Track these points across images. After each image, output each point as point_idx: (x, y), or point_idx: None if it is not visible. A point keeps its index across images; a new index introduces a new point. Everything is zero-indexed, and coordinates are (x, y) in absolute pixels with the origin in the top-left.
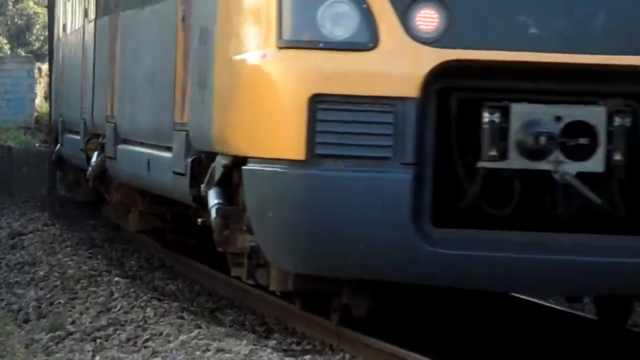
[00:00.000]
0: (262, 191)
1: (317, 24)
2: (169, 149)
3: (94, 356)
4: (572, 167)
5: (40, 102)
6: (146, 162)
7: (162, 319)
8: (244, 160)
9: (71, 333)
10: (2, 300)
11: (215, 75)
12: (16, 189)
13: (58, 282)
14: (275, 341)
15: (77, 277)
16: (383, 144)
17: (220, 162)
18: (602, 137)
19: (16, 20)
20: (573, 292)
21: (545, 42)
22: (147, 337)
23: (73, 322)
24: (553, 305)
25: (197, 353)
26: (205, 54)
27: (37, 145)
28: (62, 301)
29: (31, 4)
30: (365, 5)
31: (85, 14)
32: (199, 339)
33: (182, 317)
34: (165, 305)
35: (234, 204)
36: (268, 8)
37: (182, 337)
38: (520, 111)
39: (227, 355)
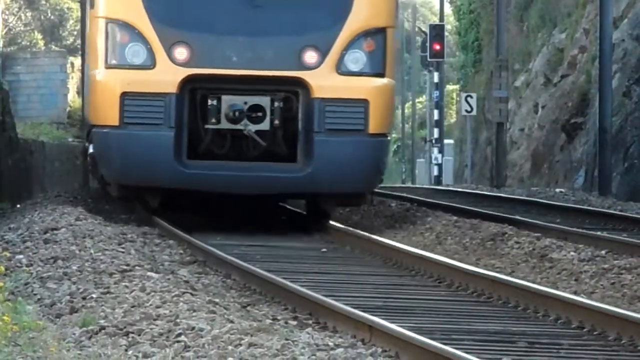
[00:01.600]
0: (99, 142)
1: (124, 56)
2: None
3: (126, 351)
4: (253, 127)
5: (72, 97)
6: (86, 138)
7: (194, 314)
8: (95, 126)
9: (103, 328)
10: (35, 294)
11: (88, 83)
12: (49, 184)
13: (90, 277)
14: (307, 336)
15: (109, 272)
16: (158, 117)
17: (92, 130)
18: (268, 112)
19: (49, 15)
20: (256, 191)
21: (240, 64)
22: (179, 331)
23: (105, 317)
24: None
25: (229, 348)
26: (87, 71)
27: (69, 140)
28: (94, 296)
29: None
30: (149, 46)
31: None
32: (231, 334)
33: (214, 312)
34: (198, 299)
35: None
36: (101, 47)
37: (214, 331)
38: (227, 99)
39: (259, 350)
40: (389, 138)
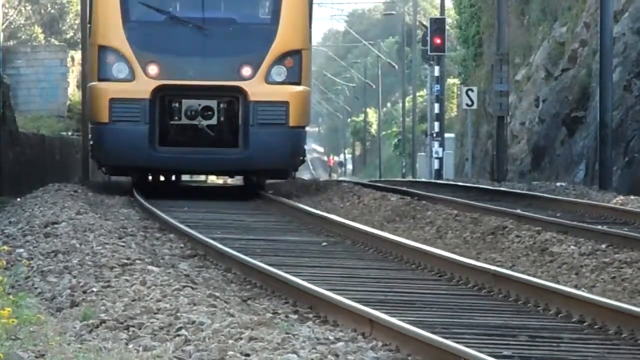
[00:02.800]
0: (95, 134)
1: (112, 72)
2: None
3: (127, 344)
4: (205, 122)
5: (73, 91)
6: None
7: (194, 308)
8: (93, 123)
9: (104, 321)
10: (36, 288)
11: (89, 91)
12: (49, 177)
13: (91, 271)
14: (308, 329)
15: (110, 266)
16: (137, 116)
17: (90, 126)
18: (216, 111)
19: (49, 9)
20: (209, 169)
21: (195, 77)
22: (180, 325)
23: (106, 311)
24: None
25: (230, 341)
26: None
27: (69, 133)
28: (95, 289)
29: None
30: (129, 65)
31: None
32: (232, 328)
33: (214, 306)
34: (198, 293)
35: None
36: (96, 66)
37: (215, 325)
38: (186, 102)
39: (260, 343)
40: (305, 129)
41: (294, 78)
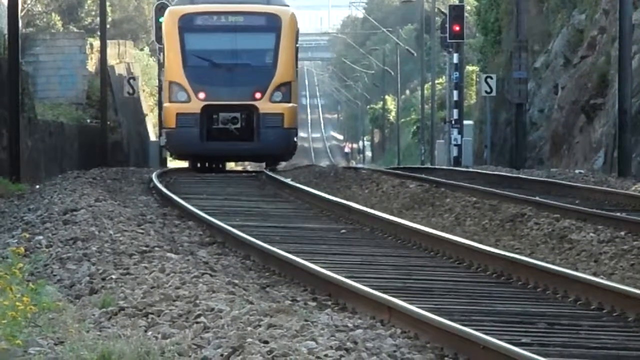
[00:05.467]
0: (167, 135)
1: (177, 97)
2: None
3: (145, 332)
4: (233, 126)
5: (91, 78)
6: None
7: (213, 295)
8: (166, 128)
9: (123, 309)
10: (55, 275)
11: (162, 109)
12: (68, 165)
13: (110, 258)
14: (327, 317)
15: (129, 253)
16: (192, 123)
17: (164, 130)
18: (240, 119)
19: None
20: (236, 154)
21: (227, 99)
22: (199, 312)
23: (125, 298)
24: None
25: (249, 329)
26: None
27: (88, 121)
28: (114, 277)
29: None
30: (187, 92)
31: None
32: (250, 315)
33: (233, 293)
34: (217, 280)
35: None
36: (167, 93)
37: (234, 312)
38: (221, 114)
39: (279, 330)
40: (295, 130)
41: (287, 99)
